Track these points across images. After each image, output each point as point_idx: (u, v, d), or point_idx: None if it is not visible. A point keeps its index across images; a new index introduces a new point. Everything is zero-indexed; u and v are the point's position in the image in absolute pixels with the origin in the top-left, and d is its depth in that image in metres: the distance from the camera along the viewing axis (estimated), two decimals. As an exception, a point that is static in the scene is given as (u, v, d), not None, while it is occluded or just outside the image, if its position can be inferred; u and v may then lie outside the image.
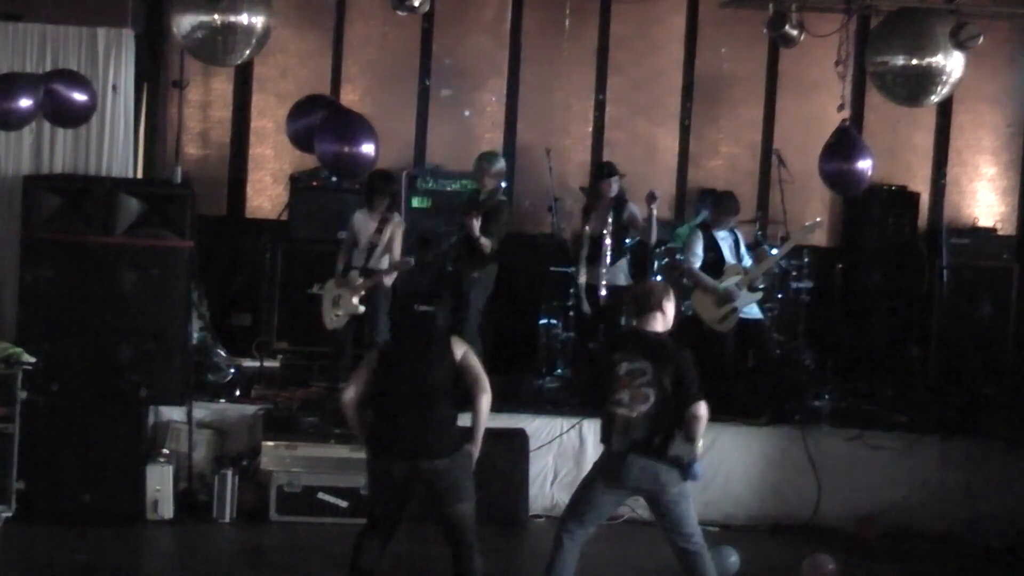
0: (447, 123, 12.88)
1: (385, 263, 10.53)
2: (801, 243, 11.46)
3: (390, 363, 7.27)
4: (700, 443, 7.29)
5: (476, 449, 7.27)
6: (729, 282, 10.70)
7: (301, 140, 10.32)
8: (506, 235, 10.86)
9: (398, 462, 7.14)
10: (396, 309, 9.80)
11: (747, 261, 10.86)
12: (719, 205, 11.03)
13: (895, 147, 13.10)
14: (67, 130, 10.24)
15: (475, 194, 11.02)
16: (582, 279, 10.75)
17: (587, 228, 10.76)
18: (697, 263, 10.78)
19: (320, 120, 10.16)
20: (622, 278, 10.79)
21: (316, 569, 8.90)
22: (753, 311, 10.84)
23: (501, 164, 10.96)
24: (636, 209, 10.81)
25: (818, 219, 11.25)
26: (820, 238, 12.69)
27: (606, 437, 7.37)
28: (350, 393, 7.30)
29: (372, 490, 7.36)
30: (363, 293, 10.49)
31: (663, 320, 7.47)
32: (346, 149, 9.85)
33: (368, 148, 9.89)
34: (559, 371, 11.31)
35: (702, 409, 7.20)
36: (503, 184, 11.01)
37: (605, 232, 10.67)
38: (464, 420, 7.31)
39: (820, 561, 8.89)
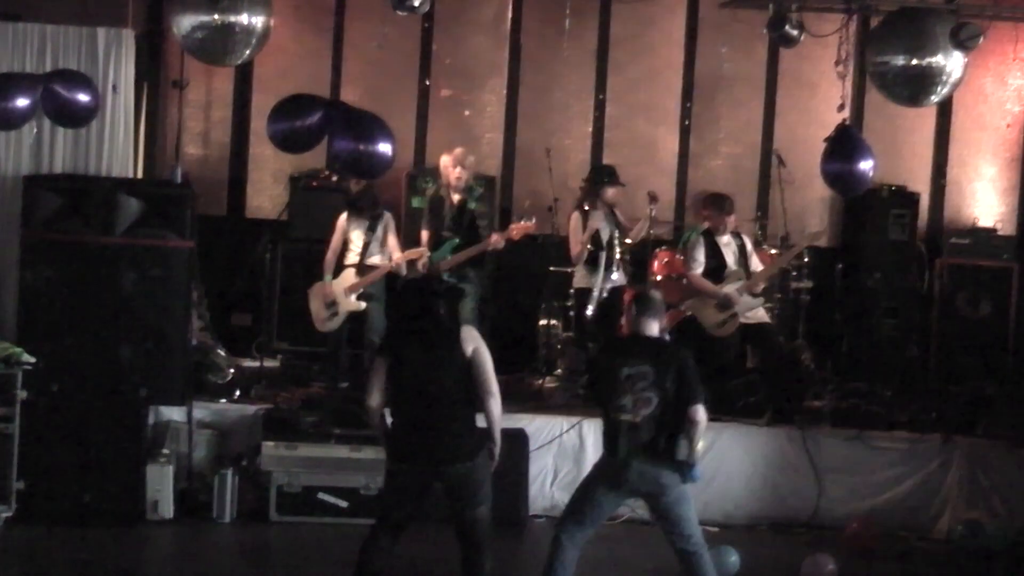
0: (447, 123, 12.88)
1: (380, 259, 10.63)
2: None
3: (401, 367, 7.15)
4: (700, 445, 7.29)
5: (496, 448, 7.20)
6: (729, 287, 10.70)
7: (283, 141, 10.24)
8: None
9: (419, 469, 7.08)
10: (399, 309, 9.80)
11: (756, 265, 10.88)
12: (713, 206, 11.02)
13: (895, 147, 13.09)
14: (67, 130, 10.24)
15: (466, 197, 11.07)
16: (596, 287, 10.83)
17: (602, 234, 10.95)
18: (699, 269, 10.81)
19: (324, 119, 10.07)
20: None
21: (316, 569, 8.88)
22: (759, 315, 10.86)
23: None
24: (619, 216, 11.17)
25: (823, 227, 11.23)
26: (820, 238, 12.68)
27: (611, 444, 7.29)
28: (375, 399, 7.20)
29: (388, 492, 7.25)
30: (361, 291, 10.57)
31: (659, 327, 7.53)
32: (362, 148, 9.74)
33: (385, 147, 9.77)
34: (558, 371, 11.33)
35: (701, 413, 7.19)
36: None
37: (614, 237, 10.93)
38: (479, 419, 7.25)
39: (820, 561, 8.90)
